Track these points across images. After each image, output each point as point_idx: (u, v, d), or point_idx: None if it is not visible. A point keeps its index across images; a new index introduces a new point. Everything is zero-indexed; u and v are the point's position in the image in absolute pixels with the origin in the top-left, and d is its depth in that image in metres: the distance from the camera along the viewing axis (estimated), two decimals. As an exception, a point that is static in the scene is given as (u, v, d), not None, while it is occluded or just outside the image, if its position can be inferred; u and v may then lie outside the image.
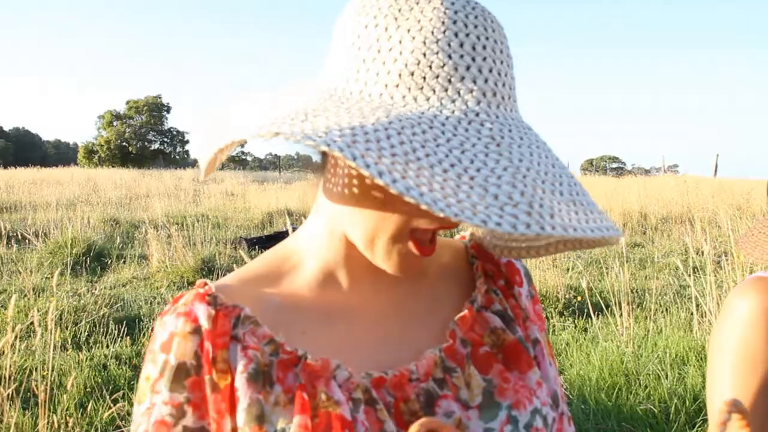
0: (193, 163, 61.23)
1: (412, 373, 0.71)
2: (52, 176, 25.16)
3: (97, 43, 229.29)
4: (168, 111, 66.02)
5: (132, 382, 4.31)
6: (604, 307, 5.51)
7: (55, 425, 3.06)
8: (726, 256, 6.06)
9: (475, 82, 0.61)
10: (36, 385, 3.35)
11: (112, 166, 49.74)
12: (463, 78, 0.61)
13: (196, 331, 0.70)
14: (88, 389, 4.11)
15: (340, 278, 0.78)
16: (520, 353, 0.78)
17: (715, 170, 28.95)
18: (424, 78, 0.61)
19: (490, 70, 0.62)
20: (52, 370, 3.24)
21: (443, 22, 0.62)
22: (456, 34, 0.62)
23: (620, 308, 5.21)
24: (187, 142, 68.54)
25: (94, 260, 8.53)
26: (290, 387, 0.68)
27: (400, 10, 0.64)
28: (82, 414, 3.65)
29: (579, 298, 6.10)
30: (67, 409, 3.61)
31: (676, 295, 6.56)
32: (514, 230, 0.51)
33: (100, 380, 4.28)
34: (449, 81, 0.61)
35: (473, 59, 0.61)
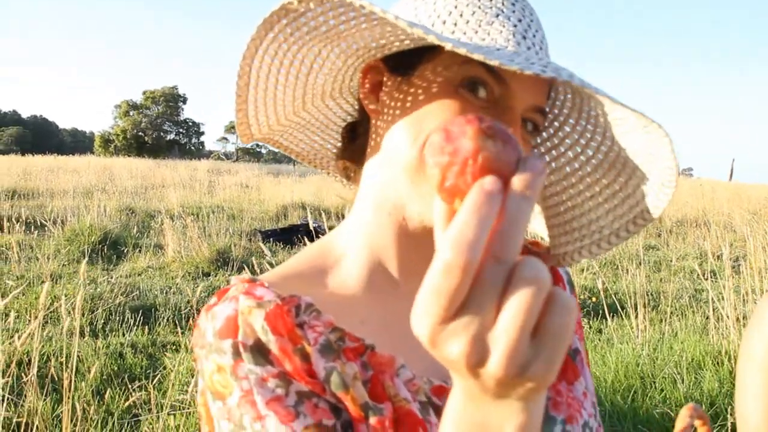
0: (208, 155, 61.34)
1: None
2: (68, 164, 25.34)
3: (115, 33, 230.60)
4: (184, 102, 66.31)
5: (148, 371, 4.34)
6: (619, 308, 5.48)
7: (77, 412, 3.09)
8: (743, 260, 6.00)
9: (503, 25, 0.68)
10: (57, 372, 3.39)
11: (128, 156, 50.02)
12: (492, 23, 0.68)
13: (261, 306, 0.66)
14: (105, 377, 4.15)
15: (390, 267, 0.76)
16: (566, 363, 0.78)
17: (731, 174, 28.69)
18: (455, 24, 0.69)
19: (519, 20, 0.69)
20: (71, 357, 3.26)
21: None
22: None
23: (636, 310, 5.18)
24: (203, 133, 68.80)
25: (110, 248, 8.60)
26: (361, 372, 0.66)
27: None
28: (99, 401, 3.69)
29: (594, 299, 6.07)
30: (84, 396, 3.64)
31: (691, 298, 6.51)
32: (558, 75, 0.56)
33: (116, 368, 4.31)
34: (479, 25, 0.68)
35: (501, 11, 0.69)
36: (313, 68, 0.76)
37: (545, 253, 0.89)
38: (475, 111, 0.67)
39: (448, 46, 0.56)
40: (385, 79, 0.75)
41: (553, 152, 0.82)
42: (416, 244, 0.74)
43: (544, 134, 0.82)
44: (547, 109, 0.78)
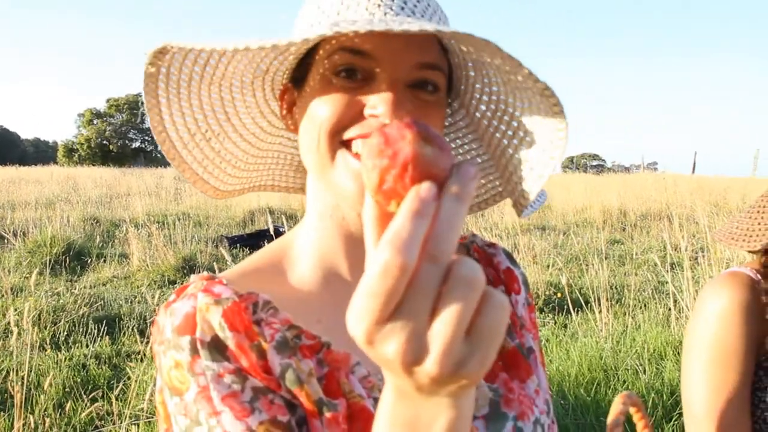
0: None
1: None
2: (31, 175, 24.84)
3: (77, 42, 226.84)
4: (149, 109, 65.38)
5: (111, 382, 4.28)
6: (583, 303, 5.55)
7: (32, 426, 3.03)
8: (703, 252, 6.13)
9: (359, 4, 0.70)
10: (12, 386, 3.32)
11: (93, 165, 49.21)
12: (348, 6, 0.70)
13: (219, 303, 0.68)
14: (67, 389, 4.07)
15: (341, 270, 0.78)
16: (519, 361, 0.79)
17: (693, 168, 29.26)
18: (320, 22, 0.71)
19: None
20: (30, 371, 3.20)
21: None
22: None
23: (599, 304, 5.25)
24: (169, 140, 67.82)
25: (73, 259, 8.43)
26: (316, 369, 0.68)
27: None
28: (60, 414, 3.62)
29: (559, 295, 6.14)
30: (45, 410, 3.57)
31: (654, 291, 6.62)
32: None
33: (79, 380, 4.24)
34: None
35: None
36: (227, 112, 0.79)
37: (504, 249, 0.92)
38: (352, 94, 0.69)
39: (267, 43, 0.59)
40: (295, 97, 0.78)
41: (473, 102, 0.82)
42: (362, 244, 0.76)
43: (462, 87, 0.82)
44: (463, 63, 0.77)
